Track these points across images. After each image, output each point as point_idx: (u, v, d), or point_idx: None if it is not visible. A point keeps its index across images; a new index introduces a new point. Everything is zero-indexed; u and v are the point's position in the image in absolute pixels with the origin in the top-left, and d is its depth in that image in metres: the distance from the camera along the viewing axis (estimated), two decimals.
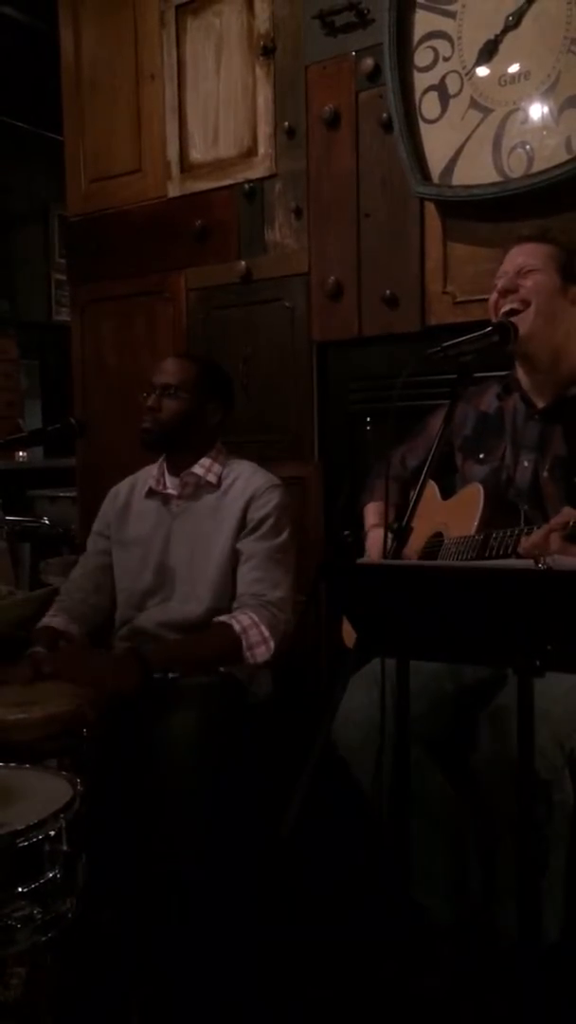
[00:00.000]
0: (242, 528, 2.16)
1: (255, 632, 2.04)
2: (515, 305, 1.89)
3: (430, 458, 1.66)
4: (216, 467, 2.23)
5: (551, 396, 1.95)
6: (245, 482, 2.21)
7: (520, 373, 1.99)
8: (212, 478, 2.22)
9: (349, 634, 2.05)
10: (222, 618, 2.08)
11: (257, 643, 2.04)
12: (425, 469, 1.65)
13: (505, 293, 1.91)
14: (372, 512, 2.24)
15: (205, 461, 2.23)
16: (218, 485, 2.22)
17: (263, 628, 2.04)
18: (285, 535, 2.17)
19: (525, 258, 1.92)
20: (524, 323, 1.88)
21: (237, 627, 2.04)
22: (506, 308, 1.90)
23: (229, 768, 1.90)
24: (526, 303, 1.89)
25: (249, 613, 2.07)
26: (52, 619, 2.25)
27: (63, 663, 1.97)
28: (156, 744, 1.89)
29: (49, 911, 1.36)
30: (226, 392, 2.31)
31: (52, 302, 6.88)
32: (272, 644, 2.05)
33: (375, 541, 2.15)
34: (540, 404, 1.96)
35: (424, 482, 1.63)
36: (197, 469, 2.22)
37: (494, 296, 1.94)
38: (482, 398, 2.08)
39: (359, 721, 1.77)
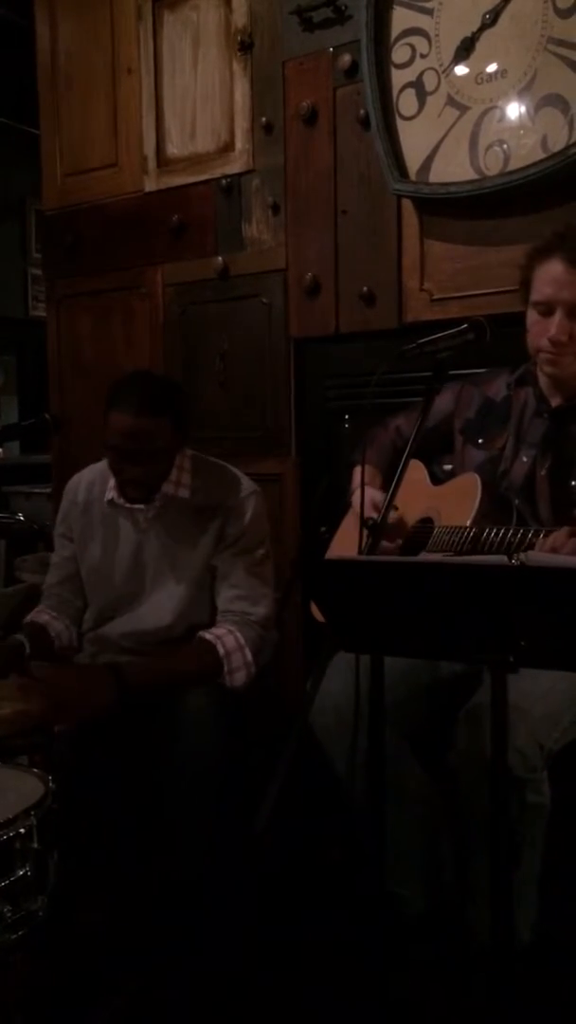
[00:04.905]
0: (219, 542, 2.08)
1: (238, 656, 1.99)
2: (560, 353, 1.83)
3: (410, 443, 1.63)
4: (185, 477, 2.10)
5: (566, 397, 1.91)
6: (221, 493, 2.11)
7: (539, 372, 1.95)
8: (184, 492, 2.10)
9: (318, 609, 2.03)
10: (207, 636, 2.00)
11: (238, 667, 1.99)
12: (406, 453, 1.62)
13: (558, 344, 1.82)
14: (359, 475, 2.17)
15: (173, 476, 2.09)
16: (189, 496, 2.10)
17: (247, 652, 2.00)
18: (263, 549, 2.12)
19: (571, 293, 1.80)
20: (562, 367, 1.84)
21: (221, 650, 1.98)
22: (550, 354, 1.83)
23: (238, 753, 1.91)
24: (570, 354, 1.83)
25: (236, 634, 2.00)
26: (39, 615, 2.21)
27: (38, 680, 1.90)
28: (172, 724, 1.86)
29: (19, 909, 1.35)
30: (188, 413, 2.14)
31: (29, 297, 6.83)
32: (253, 670, 2.00)
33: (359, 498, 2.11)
34: (554, 402, 1.93)
35: (404, 466, 1.60)
36: (167, 488, 2.08)
37: (539, 336, 1.85)
38: (491, 384, 2.06)
39: (335, 705, 1.75)
